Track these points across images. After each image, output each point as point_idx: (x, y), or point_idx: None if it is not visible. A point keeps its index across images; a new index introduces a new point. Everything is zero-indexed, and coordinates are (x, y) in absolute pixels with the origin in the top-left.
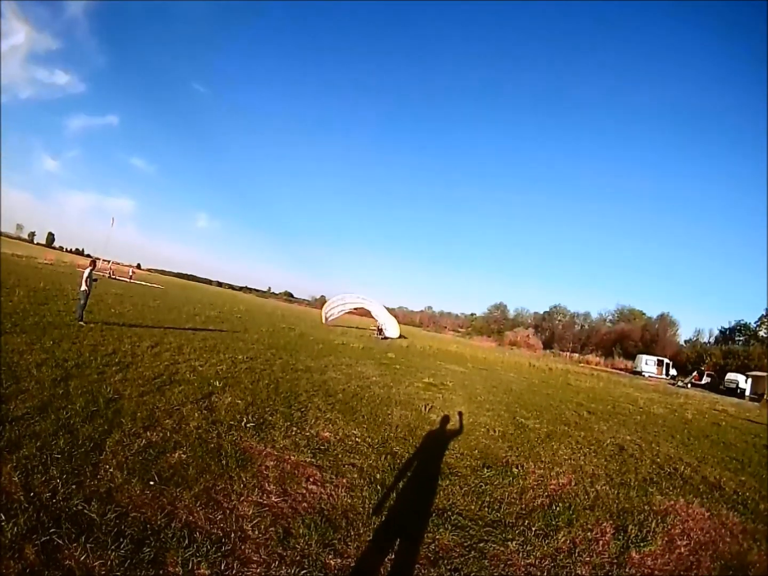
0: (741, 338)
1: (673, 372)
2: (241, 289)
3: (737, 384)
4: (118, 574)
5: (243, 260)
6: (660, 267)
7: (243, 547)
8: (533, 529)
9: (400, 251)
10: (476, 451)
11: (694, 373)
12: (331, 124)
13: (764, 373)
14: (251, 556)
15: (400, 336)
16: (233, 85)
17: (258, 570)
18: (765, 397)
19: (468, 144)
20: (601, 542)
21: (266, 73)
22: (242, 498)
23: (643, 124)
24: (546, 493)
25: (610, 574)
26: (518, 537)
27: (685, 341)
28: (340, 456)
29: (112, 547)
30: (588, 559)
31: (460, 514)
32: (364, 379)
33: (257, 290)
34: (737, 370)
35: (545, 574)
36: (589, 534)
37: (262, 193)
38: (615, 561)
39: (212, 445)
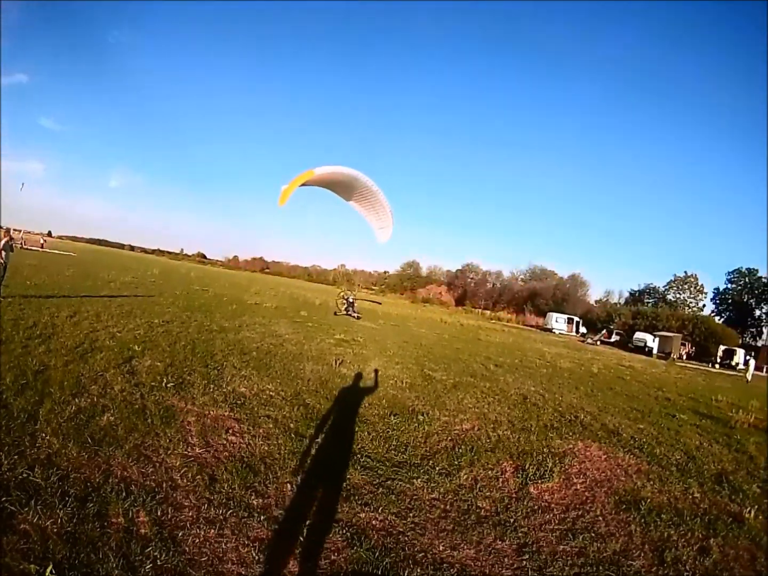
0: (650, 300)
1: (583, 330)
2: (153, 252)
3: (645, 342)
4: (68, 528)
5: (154, 222)
6: (574, 229)
7: (174, 494)
8: (437, 468)
9: (312, 207)
10: (384, 400)
11: (604, 331)
12: (258, 78)
13: (671, 334)
14: (183, 502)
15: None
16: (154, 31)
17: (190, 513)
18: (672, 355)
19: (374, 88)
20: (501, 479)
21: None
22: (169, 452)
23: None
24: (450, 437)
25: (509, 507)
26: (423, 475)
27: (596, 301)
28: (256, 409)
29: (60, 506)
30: (489, 494)
31: (369, 457)
32: (277, 337)
33: (170, 252)
34: (645, 330)
35: (448, 507)
36: (490, 473)
37: (176, 150)
38: (514, 495)
39: (137, 406)
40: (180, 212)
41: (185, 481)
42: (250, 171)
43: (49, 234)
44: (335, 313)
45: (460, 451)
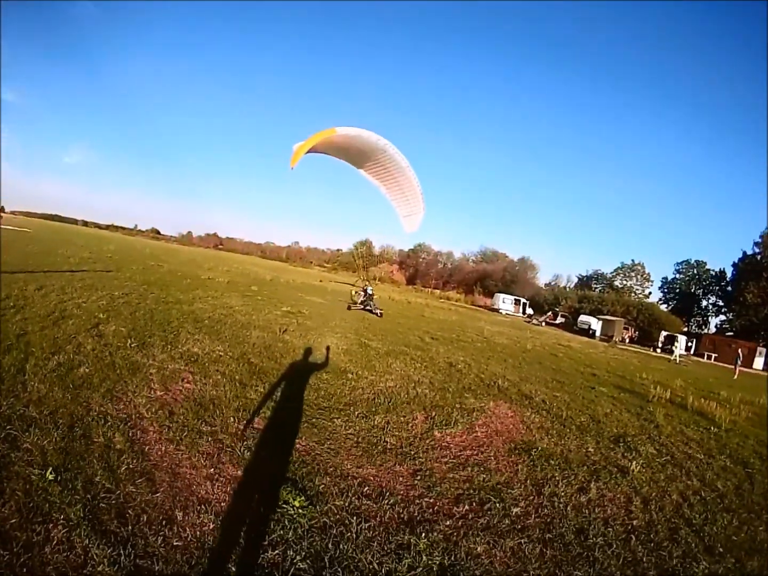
0: (598, 286)
1: (529, 311)
2: (107, 227)
3: (589, 325)
4: (61, 445)
5: (108, 198)
6: (524, 213)
7: (141, 422)
8: (356, 412)
9: (267, 184)
10: (319, 362)
11: (549, 313)
12: (223, 49)
13: (614, 318)
14: (148, 428)
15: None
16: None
17: (154, 435)
18: (614, 338)
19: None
20: (410, 424)
21: None
22: (136, 394)
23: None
24: (373, 392)
25: (413, 443)
26: (343, 417)
27: (545, 284)
28: (207, 365)
29: (53, 431)
30: (397, 433)
31: (299, 401)
32: (228, 308)
33: (124, 228)
34: (590, 314)
35: (360, 440)
36: (402, 418)
37: (130, 126)
38: (419, 436)
39: (107, 361)
40: (134, 188)
41: (150, 414)
42: (206, 147)
43: (2, 209)
44: (349, 307)
45: (379, 401)
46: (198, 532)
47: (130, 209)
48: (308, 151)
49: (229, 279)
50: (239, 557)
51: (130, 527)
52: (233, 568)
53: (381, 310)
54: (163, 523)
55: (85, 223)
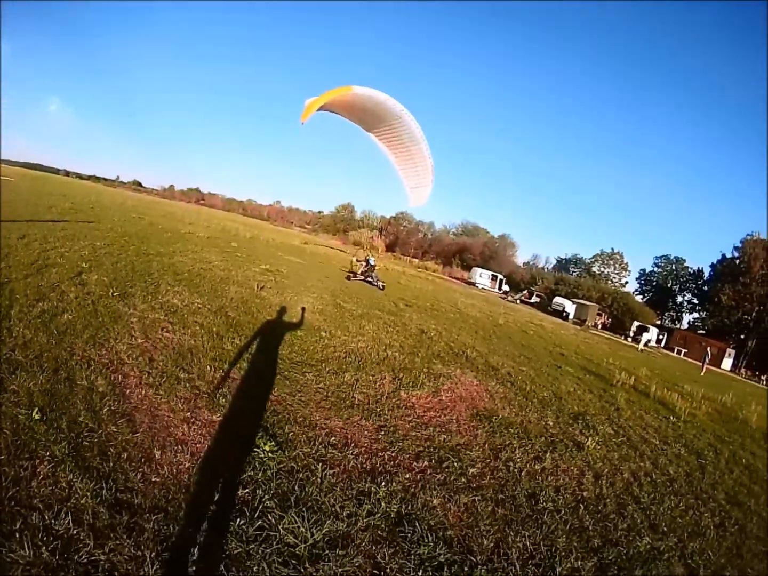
0: (575, 270)
1: (505, 288)
2: (89, 178)
3: (564, 308)
4: (47, 387)
5: (91, 147)
6: (508, 191)
7: (123, 368)
8: (327, 369)
9: (250, 141)
10: (294, 319)
11: (525, 291)
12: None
13: (589, 303)
14: (129, 373)
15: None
16: None
17: (134, 380)
18: (587, 323)
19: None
20: (378, 383)
21: None
22: (118, 341)
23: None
24: (344, 351)
25: (379, 401)
26: (314, 372)
27: (523, 263)
28: (186, 316)
29: (39, 374)
30: (365, 391)
31: (273, 355)
32: (207, 263)
33: (105, 179)
34: (566, 297)
35: (329, 394)
36: (371, 377)
37: (115, 78)
38: (386, 395)
39: (90, 309)
40: (116, 138)
41: (130, 360)
42: (192, 101)
43: None
44: (348, 278)
45: (350, 360)
46: (175, 470)
47: (113, 160)
48: (319, 109)
49: (209, 234)
50: (212, 494)
51: (111, 464)
52: (206, 503)
53: (383, 282)
54: (143, 460)
55: (67, 173)
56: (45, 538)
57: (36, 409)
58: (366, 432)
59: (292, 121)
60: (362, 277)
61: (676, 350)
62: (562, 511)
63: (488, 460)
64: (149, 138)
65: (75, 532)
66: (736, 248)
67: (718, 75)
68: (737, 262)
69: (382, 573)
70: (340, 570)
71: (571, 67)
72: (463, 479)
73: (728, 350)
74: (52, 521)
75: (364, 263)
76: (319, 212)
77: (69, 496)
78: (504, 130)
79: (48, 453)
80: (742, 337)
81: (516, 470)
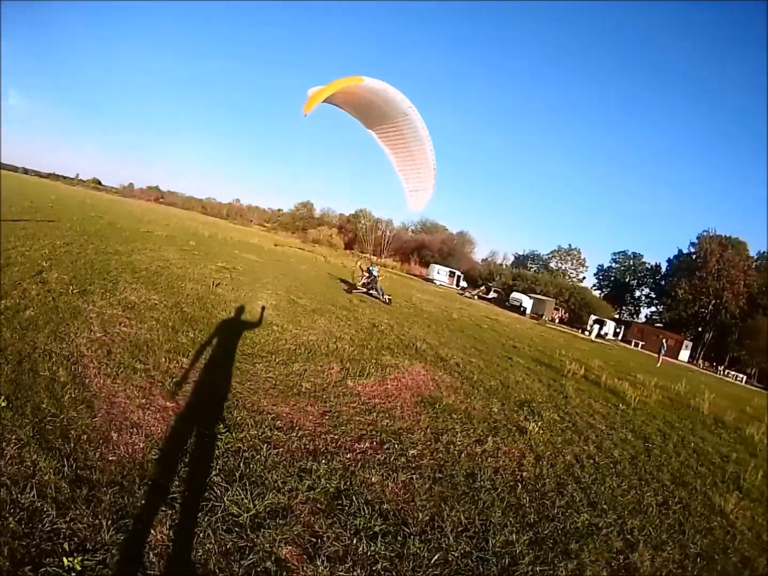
0: (533, 266)
1: (463, 284)
2: (48, 176)
3: (521, 303)
4: (11, 377)
5: (50, 146)
6: (466, 188)
7: (82, 359)
8: (277, 360)
9: (210, 139)
10: (248, 314)
11: (482, 287)
12: None
13: (546, 298)
14: (88, 364)
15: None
16: None
17: (93, 370)
18: (544, 317)
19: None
20: (326, 373)
21: None
22: (78, 335)
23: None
24: (295, 343)
25: (326, 389)
26: (264, 363)
27: (481, 260)
28: (143, 311)
29: (4, 366)
30: (313, 380)
31: (224, 347)
32: (164, 261)
33: (65, 177)
34: (523, 292)
35: (278, 383)
36: (319, 368)
37: (73, 75)
38: (333, 384)
39: (51, 306)
40: (75, 137)
41: (90, 352)
42: (151, 98)
43: None
44: (349, 290)
45: (300, 352)
46: (130, 450)
47: (72, 158)
48: (326, 100)
49: (167, 233)
50: (163, 470)
51: (72, 444)
52: (158, 479)
53: (389, 296)
54: (101, 442)
55: (26, 171)
56: (12, 510)
57: (2, 397)
58: (311, 417)
59: (256, 113)
60: (364, 290)
61: (633, 343)
62: (500, 489)
63: (429, 443)
64: (109, 135)
65: (39, 505)
66: (692, 244)
67: (674, 70)
68: (693, 257)
69: (320, 541)
70: (279, 537)
71: (532, 54)
72: (402, 459)
73: (685, 342)
74: (18, 495)
75: (366, 274)
76: (279, 210)
77: (34, 473)
78: (463, 126)
79: (14, 436)
80: (700, 329)
81: (456, 452)
